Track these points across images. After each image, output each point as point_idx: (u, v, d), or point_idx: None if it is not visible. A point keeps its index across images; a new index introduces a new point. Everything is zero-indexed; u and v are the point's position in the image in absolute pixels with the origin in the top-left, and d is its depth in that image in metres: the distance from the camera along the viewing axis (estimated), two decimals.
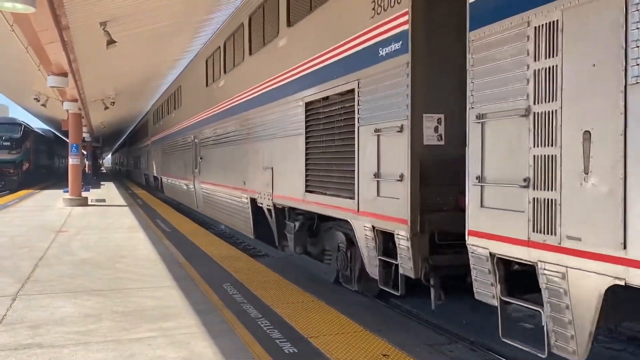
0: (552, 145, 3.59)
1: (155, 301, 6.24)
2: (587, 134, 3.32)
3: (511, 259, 4.00)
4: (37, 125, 44.74)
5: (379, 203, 5.80)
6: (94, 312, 5.78)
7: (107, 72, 18.52)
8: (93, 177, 45.80)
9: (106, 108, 24.25)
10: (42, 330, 5.13)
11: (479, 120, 4.26)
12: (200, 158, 15.01)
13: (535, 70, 3.73)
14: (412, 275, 5.36)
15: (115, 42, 11.55)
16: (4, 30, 10.78)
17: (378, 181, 5.80)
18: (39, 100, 21.44)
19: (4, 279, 7.27)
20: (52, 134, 48.15)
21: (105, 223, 13.92)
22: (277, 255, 10.85)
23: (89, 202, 19.61)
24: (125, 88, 23.35)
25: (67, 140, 21.48)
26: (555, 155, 3.56)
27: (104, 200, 21.04)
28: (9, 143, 32.24)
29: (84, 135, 31.88)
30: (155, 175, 27.58)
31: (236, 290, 6.81)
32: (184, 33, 15.85)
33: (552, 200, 3.58)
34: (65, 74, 14.90)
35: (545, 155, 3.65)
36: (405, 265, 5.42)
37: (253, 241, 12.66)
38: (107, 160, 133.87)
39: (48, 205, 19.34)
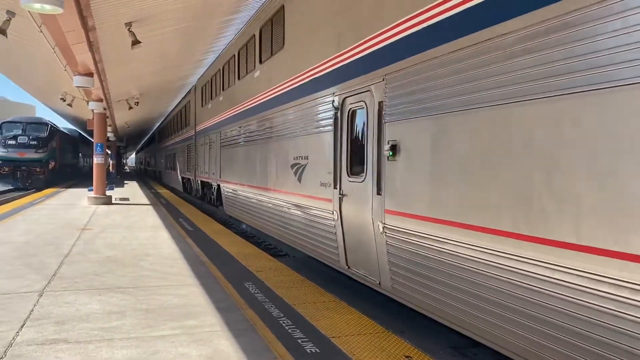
0: None
1: (178, 299, 6.29)
2: None
3: None
4: (62, 124, 45.62)
5: None
6: (118, 309, 5.85)
7: (131, 73, 18.77)
8: (117, 176, 46.49)
9: (130, 108, 24.57)
10: (68, 326, 5.21)
11: None
12: (392, 151, 5.81)
13: None
14: None
15: (140, 42, 11.69)
16: (32, 31, 11.00)
17: None
18: (65, 100, 21.83)
19: (31, 276, 7.40)
20: (77, 134, 48.98)
21: (129, 221, 14.10)
22: (298, 255, 10.86)
23: (113, 201, 19.88)
24: (150, 88, 23.64)
25: (92, 140, 21.82)
26: None
27: (127, 199, 21.31)
28: (35, 142, 32.88)
29: (109, 134, 32.36)
30: (207, 181, 18.48)
31: (258, 289, 6.83)
32: (207, 33, 15.99)
33: None
34: (91, 74, 15.13)
35: None
36: None
37: (274, 240, 12.64)
38: (131, 159, 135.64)
39: (73, 203, 19.66)
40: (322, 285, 7.17)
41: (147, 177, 56.72)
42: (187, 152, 24.11)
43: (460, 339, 5.78)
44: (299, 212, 8.66)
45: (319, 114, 7.83)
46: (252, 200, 11.87)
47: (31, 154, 32.39)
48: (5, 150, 32.37)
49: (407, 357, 4.54)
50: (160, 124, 42.49)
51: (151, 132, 55.20)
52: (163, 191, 29.09)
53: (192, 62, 19.92)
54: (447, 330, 6.08)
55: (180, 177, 27.37)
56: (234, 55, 13.97)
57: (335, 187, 7.15)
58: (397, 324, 5.92)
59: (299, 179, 8.54)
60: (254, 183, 11.53)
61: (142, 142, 73.48)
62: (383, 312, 6.67)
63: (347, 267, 7.10)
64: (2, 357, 4.36)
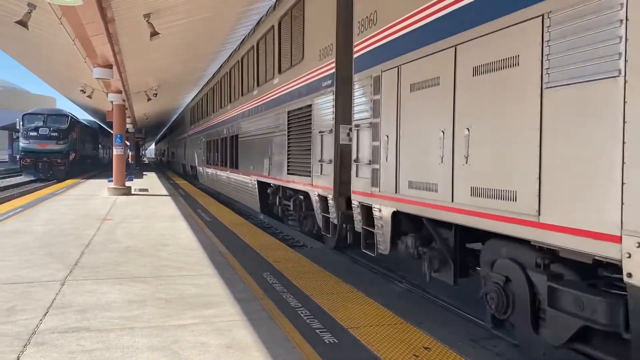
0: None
1: (197, 289, 6.34)
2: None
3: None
4: (82, 116, 46.16)
5: None
6: (138, 298, 5.91)
7: (150, 64, 18.88)
8: (136, 168, 46.97)
9: (149, 99, 24.76)
10: (89, 314, 5.28)
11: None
12: None
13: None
14: None
15: (158, 33, 11.74)
16: (53, 23, 11.11)
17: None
18: (84, 92, 22.08)
19: (54, 265, 7.51)
20: (97, 125, 49.57)
21: (148, 212, 14.23)
22: (315, 246, 10.87)
23: (133, 192, 20.07)
24: (168, 80, 23.76)
25: (111, 131, 22.03)
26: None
27: (146, 190, 21.50)
28: (56, 134, 33.35)
29: (128, 126, 32.64)
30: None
31: (276, 279, 6.86)
32: (225, 24, 15.98)
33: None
34: (110, 66, 15.26)
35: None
36: None
37: (291, 231, 12.72)
38: (150, 151, 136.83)
39: (93, 194, 19.90)
40: (339, 276, 7.16)
41: (171, 171, 47.11)
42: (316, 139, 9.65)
43: (480, 331, 5.74)
44: None
45: None
46: None
47: (52, 146, 32.89)
48: (27, 141, 32.93)
49: (425, 348, 4.53)
50: (196, 96, 29.61)
51: (178, 114, 45.16)
52: (181, 182, 29.27)
53: (211, 53, 19.96)
54: (467, 322, 6.05)
55: (255, 184, 14.17)
56: None
57: None
58: (415, 315, 5.89)
59: None
60: None
61: (164, 129, 66.16)
62: (401, 303, 6.65)
63: None
64: (26, 345, 4.44)
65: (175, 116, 48.49)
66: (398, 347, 4.53)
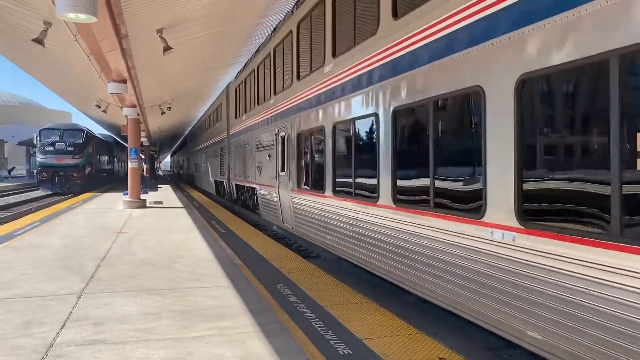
0: None
1: (212, 300, 6.37)
2: None
3: None
4: (98, 130, 46.76)
5: None
6: (153, 310, 5.95)
7: (164, 78, 19.11)
8: (151, 181, 47.32)
9: (163, 113, 25.01)
10: (106, 327, 5.33)
11: None
12: None
13: None
14: None
15: (171, 48, 11.88)
16: (68, 40, 11.31)
17: None
18: (99, 107, 22.36)
19: (70, 278, 7.60)
20: (112, 139, 50.11)
21: (163, 224, 14.33)
22: (329, 257, 10.86)
23: (148, 205, 20.23)
24: (181, 93, 24.01)
25: (126, 145, 22.25)
26: None
27: (161, 203, 21.66)
28: (72, 148, 33.80)
29: (142, 139, 32.91)
30: None
31: (290, 290, 6.86)
32: (237, 38, 16.15)
33: None
34: (124, 81, 15.46)
35: None
36: None
37: (305, 242, 12.72)
38: (165, 163, 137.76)
39: (109, 207, 20.09)
40: (353, 286, 7.16)
41: (194, 189, 36.81)
42: None
43: (496, 340, 5.68)
44: None
45: None
46: None
47: (68, 160, 33.33)
48: (44, 156, 33.41)
49: (440, 358, 4.50)
50: (250, 63, 17.21)
51: (203, 114, 35.14)
52: (195, 194, 29.42)
53: (224, 66, 20.14)
54: (482, 331, 5.98)
55: None
56: None
57: None
58: (430, 325, 5.86)
59: None
60: None
61: (182, 138, 59.40)
62: (415, 313, 6.62)
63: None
64: (43, 358, 4.49)
65: (190, 127, 48.04)
66: (413, 358, 4.51)
